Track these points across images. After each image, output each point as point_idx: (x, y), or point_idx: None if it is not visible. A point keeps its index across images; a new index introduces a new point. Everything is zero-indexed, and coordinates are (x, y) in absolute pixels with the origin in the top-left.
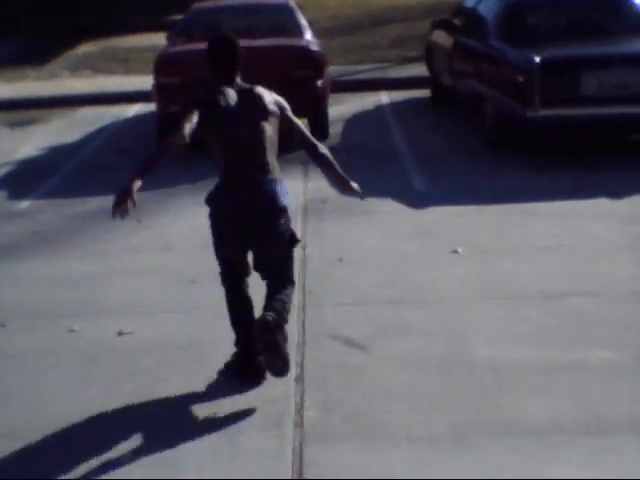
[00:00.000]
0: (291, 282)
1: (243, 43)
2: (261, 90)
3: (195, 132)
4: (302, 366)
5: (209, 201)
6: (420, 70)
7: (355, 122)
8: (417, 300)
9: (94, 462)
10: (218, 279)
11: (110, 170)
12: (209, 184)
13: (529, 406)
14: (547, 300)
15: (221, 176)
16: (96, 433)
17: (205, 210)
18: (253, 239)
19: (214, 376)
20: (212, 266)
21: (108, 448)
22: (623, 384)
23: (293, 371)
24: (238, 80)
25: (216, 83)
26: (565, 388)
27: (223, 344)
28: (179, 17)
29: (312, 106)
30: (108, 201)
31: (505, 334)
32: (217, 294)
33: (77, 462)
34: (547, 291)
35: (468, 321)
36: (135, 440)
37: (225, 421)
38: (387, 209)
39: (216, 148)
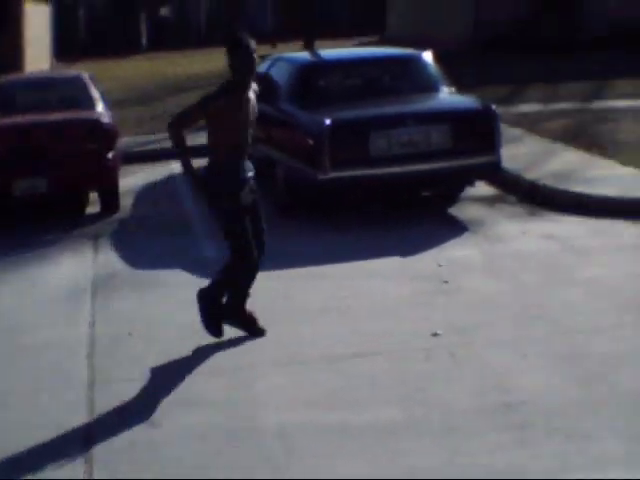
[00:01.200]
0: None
1: (35, 118)
2: None
3: None
4: (90, 446)
5: None
6: None
7: (147, 193)
8: (207, 370)
9: None
10: (6, 361)
11: None
12: (5, 262)
13: (318, 471)
14: (334, 362)
15: None
16: None
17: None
18: None
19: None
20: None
21: None
22: (410, 441)
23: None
24: None
25: None
26: (355, 450)
27: (13, 428)
28: None
29: (102, 179)
30: None
31: (294, 399)
32: (3, 377)
33: None
34: (334, 353)
35: (257, 388)
36: None
37: None
38: (178, 280)
39: None
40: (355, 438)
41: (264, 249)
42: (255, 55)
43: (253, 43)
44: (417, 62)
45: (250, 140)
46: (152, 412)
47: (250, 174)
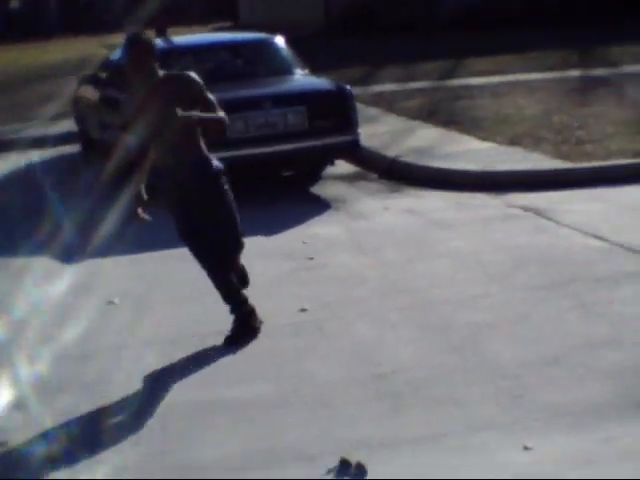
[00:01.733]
0: None
1: None
2: None
3: None
4: None
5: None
6: (70, 126)
7: (5, 183)
8: (78, 353)
9: None
10: None
11: None
12: None
13: (193, 446)
14: (203, 340)
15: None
16: None
17: None
18: None
19: None
20: None
21: None
22: (284, 415)
23: None
24: None
25: None
26: (231, 424)
27: None
28: None
29: None
30: None
31: (166, 378)
32: None
33: None
34: (203, 332)
35: (127, 368)
36: None
37: None
38: (41, 266)
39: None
40: (227, 414)
41: (231, 242)
42: (142, 49)
43: (142, 38)
44: (270, 45)
45: (174, 139)
46: (28, 396)
47: (184, 170)
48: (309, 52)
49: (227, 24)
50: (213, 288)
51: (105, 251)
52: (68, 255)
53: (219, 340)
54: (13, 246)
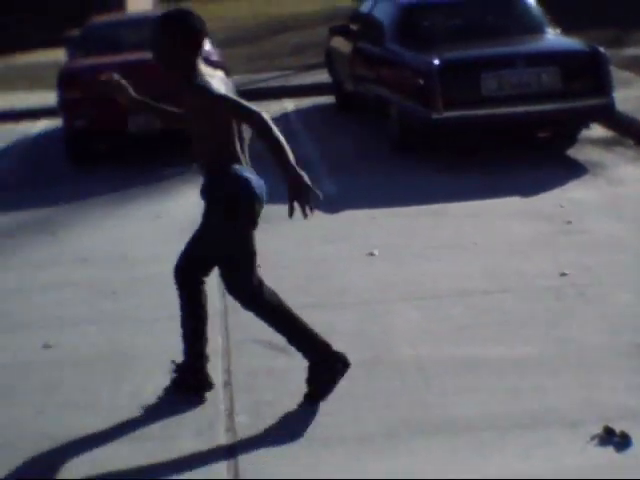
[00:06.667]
0: None
1: (137, 56)
2: None
3: None
4: (229, 372)
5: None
6: (322, 77)
7: None
8: (337, 302)
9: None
10: (138, 290)
11: (20, 186)
12: (129, 196)
13: (458, 403)
14: (466, 298)
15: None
16: (25, 449)
17: (124, 222)
18: None
19: (141, 384)
20: (131, 277)
21: (40, 461)
22: (546, 378)
23: (220, 377)
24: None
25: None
26: (492, 384)
27: (147, 354)
28: (76, 32)
29: None
30: (19, 217)
31: (427, 333)
32: (138, 304)
33: None
34: (465, 289)
35: (389, 322)
36: (66, 452)
37: (156, 428)
38: (300, 215)
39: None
40: (488, 374)
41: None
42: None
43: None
44: (521, 3)
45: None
46: (285, 342)
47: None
48: (555, 12)
49: None
50: (475, 246)
51: (362, 203)
52: (324, 205)
53: (481, 299)
54: (273, 192)
